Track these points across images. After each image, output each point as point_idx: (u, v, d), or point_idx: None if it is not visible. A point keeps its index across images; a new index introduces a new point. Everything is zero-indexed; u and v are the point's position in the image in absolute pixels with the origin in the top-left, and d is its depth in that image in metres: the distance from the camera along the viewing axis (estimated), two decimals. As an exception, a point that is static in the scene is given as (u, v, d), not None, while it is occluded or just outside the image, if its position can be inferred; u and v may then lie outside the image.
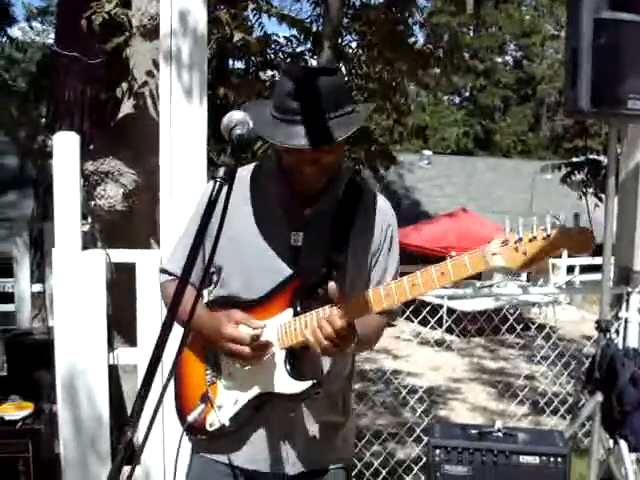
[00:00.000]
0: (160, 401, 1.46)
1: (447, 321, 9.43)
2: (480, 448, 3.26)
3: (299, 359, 1.91)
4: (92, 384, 3.30)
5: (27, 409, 3.90)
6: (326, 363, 1.99)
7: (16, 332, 5.14)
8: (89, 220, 4.27)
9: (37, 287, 6.22)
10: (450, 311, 10.83)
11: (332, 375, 2.01)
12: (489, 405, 9.35)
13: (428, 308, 4.88)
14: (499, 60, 38.96)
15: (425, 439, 3.85)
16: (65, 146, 3.27)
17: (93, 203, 3.88)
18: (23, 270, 5.72)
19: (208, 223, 1.56)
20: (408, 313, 4.77)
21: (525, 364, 10.85)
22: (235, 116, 1.64)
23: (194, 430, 1.97)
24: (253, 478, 2.04)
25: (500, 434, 3.35)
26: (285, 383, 1.88)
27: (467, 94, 39.38)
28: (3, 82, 4.54)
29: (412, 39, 7.28)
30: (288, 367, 1.89)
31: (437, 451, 3.28)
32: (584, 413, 3.68)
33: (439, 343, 8.79)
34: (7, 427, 3.81)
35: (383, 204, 2.10)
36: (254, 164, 2.12)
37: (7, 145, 15.62)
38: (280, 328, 1.88)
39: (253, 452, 2.01)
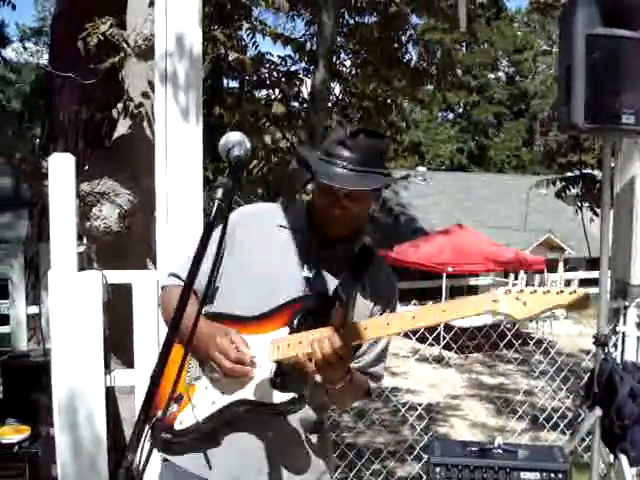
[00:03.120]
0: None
1: (445, 338, 9.44)
2: (481, 465, 3.24)
3: (286, 374, 1.92)
4: (90, 406, 3.27)
5: (24, 432, 3.88)
6: (312, 384, 1.99)
7: (12, 354, 5.11)
8: (84, 241, 4.25)
9: (32, 309, 6.19)
10: (447, 327, 10.82)
11: (314, 397, 2.01)
12: (488, 421, 9.33)
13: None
14: (492, 76, 39.19)
15: (425, 457, 3.83)
16: (61, 167, 3.26)
17: (89, 224, 3.88)
18: (19, 292, 5.68)
19: (208, 242, 1.60)
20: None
21: (523, 379, 10.85)
22: (232, 137, 1.67)
23: (160, 427, 1.96)
24: None
25: (500, 451, 3.33)
26: (267, 393, 1.90)
27: (460, 110, 39.58)
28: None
29: (406, 57, 7.31)
30: (272, 377, 1.91)
31: (437, 469, 3.26)
32: (584, 428, 3.66)
33: (437, 360, 8.78)
34: (4, 450, 3.79)
35: (391, 274, 2.24)
36: (277, 204, 2.28)
37: (1, 166, 15.68)
38: (274, 342, 1.92)
39: (228, 464, 1.99)
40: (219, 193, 1.58)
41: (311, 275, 2.03)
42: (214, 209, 1.57)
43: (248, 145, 1.68)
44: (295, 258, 2.06)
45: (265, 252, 2.06)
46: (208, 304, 2.15)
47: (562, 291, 1.67)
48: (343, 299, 1.99)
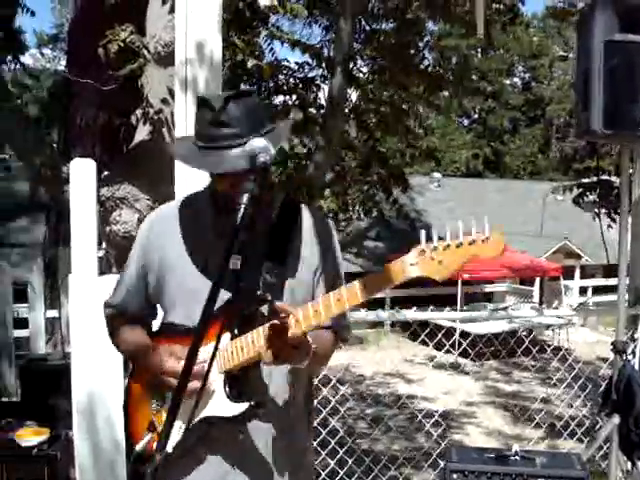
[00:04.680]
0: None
1: (461, 344, 9.40)
2: (498, 472, 3.23)
3: (237, 382, 1.89)
4: (109, 410, 3.29)
5: (43, 435, 3.91)
6: (270, 384, 1.97)
7: (30, 358, 5.16)
8: (103, 245, 4.29)
9: (50, 313, 6.24)
10: (463, 334, 10.79)
11: (277, 396, 1.98)
12: (504, 429, 9.28)
13: (443, 332, 4.86)
14: (507, 82, 39.07)
15: (441, 464, 3.82)
16: (82, 172, 3.30)
17: (108, 228, 3.91)
18: (38, 296, 5.73)
19: (233, 249, 1.61)
20: (423, 337, 4.77)
21: (540, 387, 10.79)
22: (257, 143, 1.68)
23: (144, 460, 1.91)
24: None
25: (518, 457, 3.32)
26: (225, 406, 1.87)
27: (476, 116, 39.48)
28: (17, 108, 4.59)
29: (423, 63, 7.32)
30: (227, 390, 1.88)
31: (454, 475, 3.26)
32: (602, 435, 3.65)
33: (453, 367, 8.76)
34: (23, 452, 3.83)
35: (319, 218, 2.12)
36: (179, 199, 2.17)
37: (18, 170, 15.78)
38: (218, 353, 1.84)
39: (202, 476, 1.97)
40: (245, 199, 1.58)
41: (239, 267, 1.84)
42: (240, 214, 1.57)
43: (272, 151, 1.67)
44: (218, 253, 1.88)
45: (186, 255, 2.00)
46: (151, 321, 2.17)
47: (474, 240, 1.62)
48: (273, 284, 1.92)
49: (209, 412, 1.90)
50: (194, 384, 1.74)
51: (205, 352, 1.75)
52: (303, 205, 2.11)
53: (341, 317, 2.04)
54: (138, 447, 1.91)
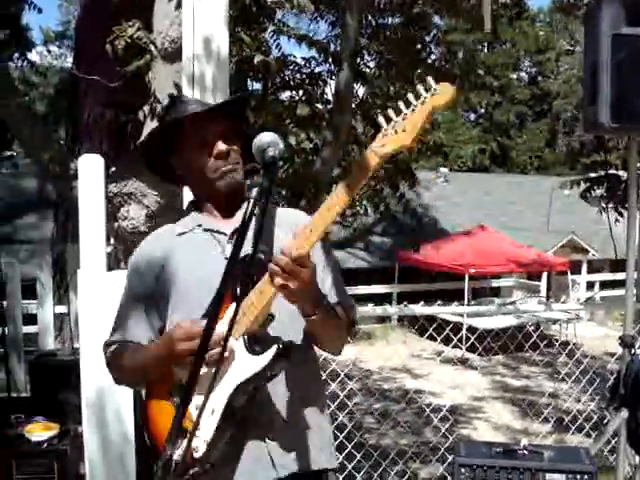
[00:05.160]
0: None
1: (468, 339, 9.41)
2: (506, 466, 3.23)
3: (257, 340, 1.88)
4: (118, 404, 3.31)
5: (53, 430, 3.94)
6: (285, 331, 1.96)
7: (39, 354, 5.19)
8: (112, 241, 4.30)
9: (59, 309, 6.27)
10: (470, 329, 10.80)
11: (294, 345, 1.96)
12: (512, 424, 9.29)
13: (450, 327, 4.87)
14: (514, 76, 38.96)
15: (449, 458, 3.83)
16: (90, 168, 3.31)
17: (116, 224, 3.92)
18: (47, 292, 5.75)
19: (241, 247, 1.60)
20: (430, 331, 4.77)
21: (547, 382, 10.79)
22: (266, 138, 1.69)
23: (186, 466, 1.83)
24: None
25: (526, 452, 3.32)
26: (252, 363, 1.85)
27: (482, 111, 39.39)
28: (25, 105, 4.62)
29: (430, 57, 7.31)
30: (249, 348, 1.87)
31: (462, 469, 3.26)
32: (609, 430, 3.65)
33: (460, 361, 8.76)
34: (33, 448, 3.85)
35: (297, 212, 2.24)
36: (165, 226, 2.22)
37: (26, 167, 15.87)
38: (229, 323, 1.80)
39: (240, 467, 1.97)
40: (254, 192, 1.60)
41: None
42: (249, 208, 1.59)
43: (281, 145, 1.69)
44: (214, 251, 2.03)
45: (184, 267, 2.02)
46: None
47: (425, 97, 1.67)
48: (264, 251, 1.92)
49: (239, 378, 1.86)
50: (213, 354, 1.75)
51: (220, 329, 1.73)
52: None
53: (343, 294, 2.11)
54: (177, 457, 1.72)
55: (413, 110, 1.68)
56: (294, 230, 1.95)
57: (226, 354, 1.74)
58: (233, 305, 1.76)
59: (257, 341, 1.88)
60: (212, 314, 1.61)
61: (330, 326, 2.00)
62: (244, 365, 1.86)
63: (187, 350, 1.82)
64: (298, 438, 2.03)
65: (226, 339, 1.62)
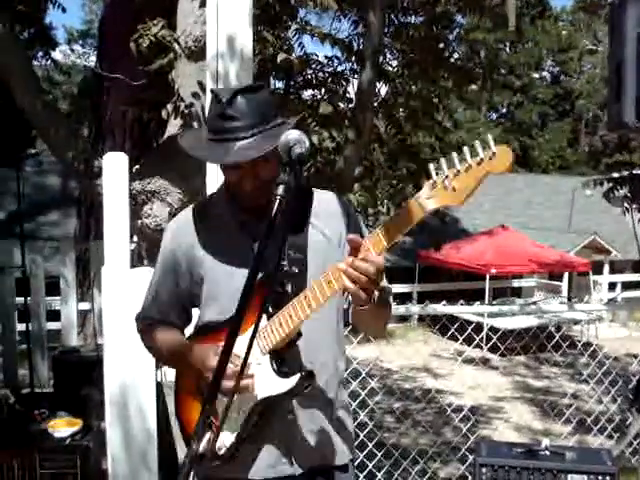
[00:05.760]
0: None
1: (490, 339, 9.36)
2: (527, 467, 3.21)
3: (283, 358, 1.93)
4: (141, 401, 3.33)
5: (76, 425, 3.97)
6: (317, 356, 2.02)
7: (63, 350, 5.23)
8: (135, 239, 4.33)
9: (82, 305, 6.32)
10: (492, 329, 10.72)
11: (322, 368, 2.02)
12: (533, 424, 9.24)
13: (472, 327, 4.85)
14: (536, 76, 38.73)
15: (470, 458, 3.82)
16: (114, 166, 3.33)
17: (140, 222, 3.94)
18: (71, 289, 5.80)
19: (267, 243, 1.62)
20: (453, 330, 4.76)
21: (568, 382, 10.72)
22: (292, 135, 1.70)
23: (208, 458, 1.95)
24: None
25: (547, 452, 3.29)
26: (277, 384, 1.90)
27: (504, 110, 39.19)
28: (50, 103, 4.65)
29: (453, 56, 7.29)
30: (275, 367, 1.91)
31: (483, 469, 3.24)
32: (632, 431, 3.63)
33: (481, 362, 8.72)
34: (56, 443, 3.88)
35: (333, 198, 2.17)
36: (195, 203, 2.22)
37: (50, 165, 16.01)
38: (258, 335, 1.86)
39: (256, 463, 2.03)
40: (281, 190, 1.61)
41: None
42: (276, 205, 1.60)
43: (307, 143, 1.70)
44: (242, 245, 2.02)
45: (213, 253, 2.03)
46: (187, 325, 2.22)
47: (482, 159, 1.59)
48: (297, 259, 1.96)
49: (263, 394, 1.93)
50: (243, 382, 1.79)
51: (245, 339, 1.74)
52: (314, 189, 2.18)
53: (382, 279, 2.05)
54: (202, 449, 1.87)
55: (467, 170, 1.60)
56: (331, 220, 2.04)
57: (250, 371, 1.84)
58: (262, 319, 1.78)
59: (283, 361, 1.92)
60: (231, 331, 1.63)
61: (379, 313, 2.00)
62: (269, 382, 1.91)
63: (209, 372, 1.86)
64: (321, 434, 2.07)
65: (245, 359, 1.66)
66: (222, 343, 1.82)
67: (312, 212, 2.08)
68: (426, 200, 1.64)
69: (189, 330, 2.22)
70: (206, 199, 2.22)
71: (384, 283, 2.02)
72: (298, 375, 1.89)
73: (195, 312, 2.19)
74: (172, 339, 2.16)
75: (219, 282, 2.02)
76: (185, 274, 2.09)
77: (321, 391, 2.06)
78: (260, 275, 1.75)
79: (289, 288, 1.93)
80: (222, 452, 1.98)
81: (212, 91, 1.99)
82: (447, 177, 1.61)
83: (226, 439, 1.97)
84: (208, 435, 1.93)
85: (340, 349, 2.15)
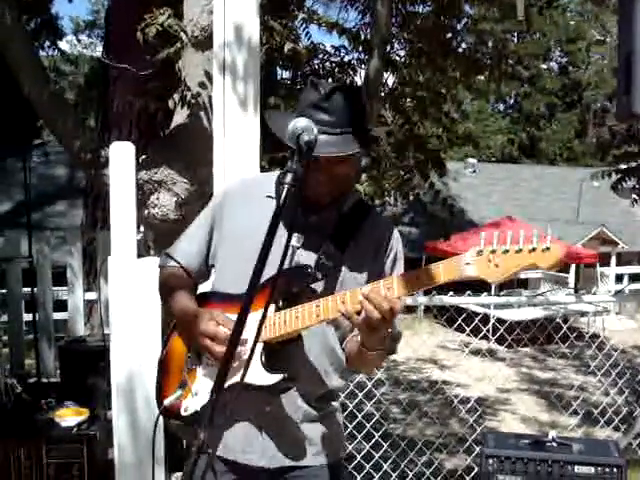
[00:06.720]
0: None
1: (496, 331, 9.35)
2: (534, 458, 3.20)
3: (275, 353, 1.93)
4: (148, 390, 3.32)
5: (83, 415, 3.98)
6: (309, 359, 2.02)
7: (69, 339, 5.24)
8: (141, 229, 4.33)
9: (89, 295, 6.33)
10: (498, 321, 10.71)
11: (308, 374, 2.02)
12: (539, 416, 9.23)
13: (478, 318, 4.84)
14: (544, 67, 38.52)
15: (476, 449, 3.81)
16: (121, 156, 3.33)
17: (147, 212, 3.94)
18: (77, 279, 5.80)
19: (277, 227, 1.63)
20: (460, 322, 4.75)
21: (575, 374, 10.71)
22: (300, 123, 1.70)
23: (169, 413, 2.06)
24: (233, 470, 2.06)
25: (554, 444, 3.28)
26: (258, 374, 1.90)
27: (512, 101, 39.04)
28: (56, 93, 4.65)
29: (461, 46, 7.24)
30: (263, 359, 1.91)
31: (490, 460, 3.24)
32: (639, 424, 3.61)
33: (488, 353, 8.71)
34: (63, 433, 3.89)
35: (390, 228, 2.16)
36: (264, 174, 2.29)
37: (56, 155, 16.03)
38: (261, 322, 1.81)
39: (230, 442, 2.04)
40: (289, 178, 1.61)
41: (298, 245, 1.98)
42: (284, 194, 1.59)
43: (315, 131, 1.70)
44: (282, 228, 1.98)
45: (253, 225, 2.00)
46: (202, 282, 2.24)
47: (534, 249, 1.59)
48: (327, 267, 1.97)
49: (239, 379, 1.88)
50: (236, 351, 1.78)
51: (251, 320, 1.75)
52: (373, 208, 2.19)
53: (394, 323, 2.07)
54: (167, 402, 2.00)
55: (517, 252, 1.60)
56: (376, 246, 2.05)
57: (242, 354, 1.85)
58: (270, 308, 1.81)
59: (273, 354, 1.93)
60: (243, 308, 1.64)
61: (377, 359, 2.03)
62: (253, 371, 1.88)
63: (203, 340, 1.92)
64: (295, 437, 2.07)
65: (254, 345, 1.67)
66: (220, 311, 1.93)
67: (361, 231, 2.07)
68: (465, 265, 1.66)
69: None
70: (265, 176, 2.24)
71: (396, 328, 2.08)
72: (281, 376, 1.90)
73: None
74: (183, 288, 2.17)
75: (244, 252, 1.99)
76: (221, 229, 2.13)
77: (307, 394, 2.05)
78: (285, 267, 1.78)
79: (307, 290, 1.94)
80: (186, 413, 2.02)
81: (311, 81, 2.00)
82: (494, 251, 1.63)
83: (194, 403, 2.01)
84: (179, 392, 2.00)
85: (334, 370, 2.12)
